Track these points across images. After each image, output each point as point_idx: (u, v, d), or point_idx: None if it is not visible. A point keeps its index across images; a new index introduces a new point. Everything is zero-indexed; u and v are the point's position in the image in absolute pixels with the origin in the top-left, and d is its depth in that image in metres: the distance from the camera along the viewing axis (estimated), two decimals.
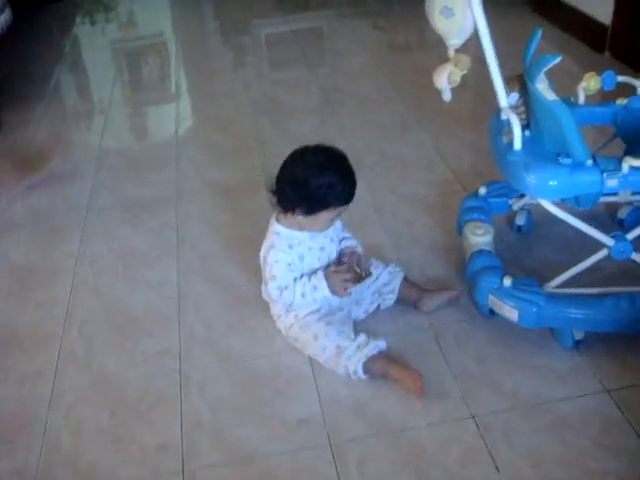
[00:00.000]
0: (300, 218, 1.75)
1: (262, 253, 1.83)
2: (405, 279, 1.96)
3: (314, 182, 1.68)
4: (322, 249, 1.84)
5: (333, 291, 1.76)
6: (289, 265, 1.78)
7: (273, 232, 1.81)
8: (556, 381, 1.71)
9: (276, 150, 2.68)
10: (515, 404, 1.67)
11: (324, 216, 1.72)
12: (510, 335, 1.84)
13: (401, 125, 2.95)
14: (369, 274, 1.81)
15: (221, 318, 2.02)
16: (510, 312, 1.76)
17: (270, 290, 1.80)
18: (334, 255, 1.87)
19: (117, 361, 1.92)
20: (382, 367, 1.73)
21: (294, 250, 1.78)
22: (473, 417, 1.65)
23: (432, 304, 1.93)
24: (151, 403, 1.78)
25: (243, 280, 2.13)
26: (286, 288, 1.78)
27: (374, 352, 1.74)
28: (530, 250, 2.13)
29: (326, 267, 1.83)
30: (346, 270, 1.76)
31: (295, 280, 1.79)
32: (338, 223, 1.88)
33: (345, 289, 1.74)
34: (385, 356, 1.76)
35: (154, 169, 2.82)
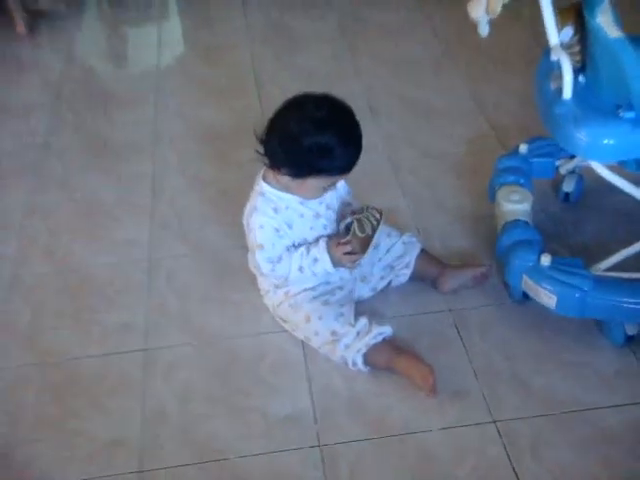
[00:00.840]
0: (286, 180, 1.71)
1: (245, 217, 1.80)
2: (423, 252, 1.92)
3: (307, 141, 1.60)
4: (317, 216, 1.79)
5: (337, 264, 1.72)
6: (277, 231, 1.74)
7: (258, 192, 1.77)
8: (600, 385, 1.68)
9: (277, 88, 2.66)
10: (547, 410, 1.64)
11: (312, 183, 1.66)
12: (546, 326, 1.81)
13: (431, 64, 2.90)
14: (377, 221, 1.72)
15: (198, 289, 2.00)
16: (547, 297, 1.72)
17: (260, 262, 1.76)
18: (333, 225, 1.82)
19: (69, 339, 1.89)
20: (387, 358, 1.70)
21: (280, 215, 1.74)
22: (495, 422, 1.62)
23: (453, 283, 1.90)
24: (113, 384, 1.77)
25: (228, 245, 2.10)
26: (279, 260, 1.74)
27: (377, 340, 1.71)
28: (578, 223, 2.10)
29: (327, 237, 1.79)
30: (350, 243, 1.70)
31: (289, 250, 1.75)
32: (342, 187, 1.83)
33: (353, 261, 1.71)
34: (391, 345, 1.73)
35: (129, 105, 2.78)
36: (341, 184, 1.80)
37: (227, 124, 2.61)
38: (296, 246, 1.76)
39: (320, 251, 1.72)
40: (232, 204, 2.05)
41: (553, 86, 1.68)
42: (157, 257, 2.09)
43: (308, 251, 1.74)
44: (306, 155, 1.61)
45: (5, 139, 2.63)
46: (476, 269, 1.90)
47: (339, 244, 1.73)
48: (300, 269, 1.74)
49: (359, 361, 1.69)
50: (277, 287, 1.82)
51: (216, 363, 1.79)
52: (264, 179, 1.76)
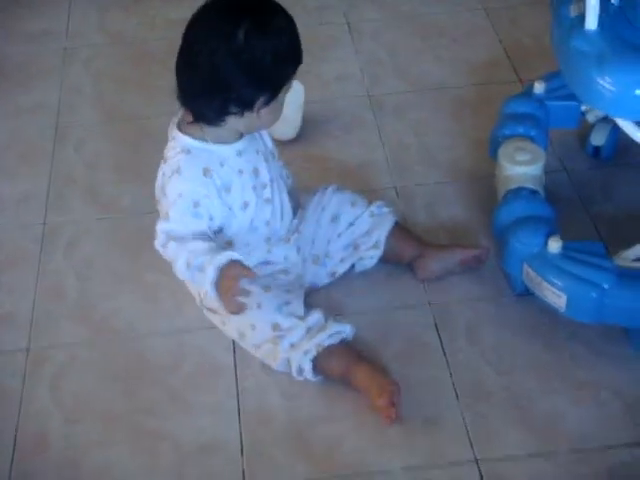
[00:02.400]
0: (236, 119, 1.58)
1: (159, 180, 1.67)
2: (397, 226, 1.81)
3: (257, 47, 1.51)
4: (255, 172, 1.67)
5: (217, 287, 1.55)
6: (195, 207, 1.60)
7: (178, 149, 1.62)
8: (623, 415, 1.58)
9: None
10: (549, 445, 1.54)
11: (282, 97, 1.59)
12: (555, 329, 1.71)
13: None
14: None
15: (103, 263, 1.92)
16: (554, 296, 1.61)
17: (157, 231, 1.63)
18: (274, 184, 1.70)
19: None
20: (343, 366, 1.60)
21: (213, 178, 1.61)
22: (477, 462, 1.53)
23: (436, 267, 1.80)
24: None
25: (148, 206, 1.96)
26: (176, 241, 1.60)
27: (333, 342, 1.61)
28: (607, 188, 2.00)
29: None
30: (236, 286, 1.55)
31: (194, 238, 1.60)
32: (265, 134, 1.74)
33: (230, 295, 1.55)
34: (350, 349, 1.63)
35: None
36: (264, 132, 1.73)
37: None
38: (216, 232, 1.64)
39: (214, 262, 1.54)
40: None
41: (573, 12, 1.57)
42: (55, 220, 2.03)
43: (210, 251, 1.57)
44: (276, 63, 1.54)
45: None
46: (467, 250, 1.80)
47: (233, 276, 1.54)
48: (187, 265, 1.59)
49: (307, 367, 1.60)
50: None
51: (117, 369, 1.70)
52: (183, 131, 1.62)
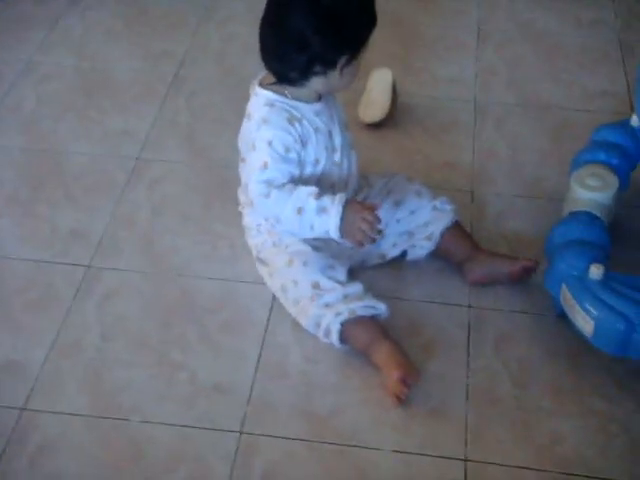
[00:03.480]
0: (322, 79, 1.64)
1: (244, 136, 1.73)
2: (455, 225, 1.83)
3: (339, 7, 1.57)
4: (330, 135, 1.73)
5: (342, 231, 1.62)
6: (287, 151, 1.66)
7: (262, 103, 1.69)
8: (625, 448, 1.56)
9: None
10: (542, 463, 1.53)
11: (361, 58, 1.64)
12: (583, 356, 1.69)
13: None
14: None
15: (178, 204, 2.02)
16: (584, 321, 1.59)
17: (255, 185, 1.67)
18: (344, 151, 1.76)
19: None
20: (368, 339, 1.63)
21: (295, 128, 1.67)
22: (466, 461, 1.53)
23: (483, 272, 1.80)
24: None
25: (232, 160, 2.04)
26: (278, 188, 1.66)
27: (365, 313, 1.64)
28: None
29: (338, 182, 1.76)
30: (373, 214, 1.63)
31: (295, 182, 1.67)
32: (339, 104, 1.80)
33: (360, 238, 1.62)
34: (378, 325, 1.66)
35: None
36: (338, 104, 1.80)
37: None
38: (304, 180, 1.69)
39: (335, 201, 1.61)
40: None
41: None
42: (148, 155, 2.14)
43: (320, 194, 1.64)
44: (357, 23, 1.60)
45: None
46: (516, 262, 1.79)
47: (363, 207, 1.64)
48: (299, 210, 1.64)
49: (334, 329, 1.63)
50: (265, 222, 1.77)
51: (161, 302, 1.79)
52: (263, 87, 1.69)
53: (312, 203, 1.62)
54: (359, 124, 2.16)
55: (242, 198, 1.84)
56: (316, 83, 1.64)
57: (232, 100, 2.24)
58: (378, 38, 1.65)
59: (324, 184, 1.72)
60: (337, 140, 1.73)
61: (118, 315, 1.76)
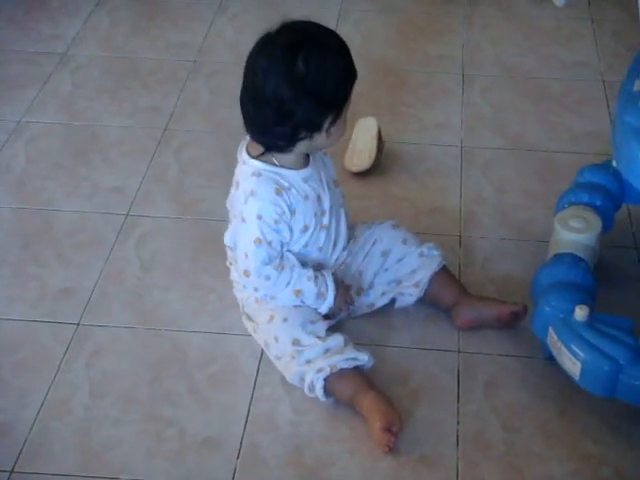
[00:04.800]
0: (306, 142, 1.65)
1: (232, 202, 1.75)
2: (443, 270, 1.84)
3: (318, 73, 1.58)
4: (319, 199, 1.74)
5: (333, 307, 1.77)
6: (277, 223, 1.68)
7: (249, 172, 1.70)
8: None
9: None
10: None
11: (345, 114, 1.65)
12: (573, 399, 1.70)
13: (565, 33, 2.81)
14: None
15: (167, 259, 2.03)
16: (570, 362, 1.60)
17: (251, 263, 1.69)
18: (332, 211, 1.77)
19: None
20: (351, 391, 1.64)
21: (283, 198, 1.69)
22: None
23: (472, 317, 1.81)
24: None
25: (220, 214, 2.07)
26: (278, 271, 1.70)
27: (346, 366, 1.65)
28: None
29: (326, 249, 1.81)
30: (349, 295, 1.83)
31: (288, 260, 1.73)
32: (329, 164, 1.81)
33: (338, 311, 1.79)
34: (361, 377, 1.66)
35: None
36: (327, 159, 1.81)
37: None
38: (292, 244, 1.74)
39: (329, 288, 1.73)
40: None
41: (637, 87, 1.58)
42: (139, 207, 2.18)
43: (316, 279, 1.72)
44: (337, 84, 1.61)
45: None
46: (504, 306, 1.81)
47: (344, 288, 1.78)
48: (297, 293, 1.72)
49: (318, 385, 1.64)
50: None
51: (150, 357, 1.80)
52: (252, 155, 1.70)
53: (312, 288, 1.72)
54: (346, 173, 2.18)
55: (230, 253, 1.85)
56: (302, 147, 1.65)
57: (220, 153, 2.29)
58: (364, 86, 1.67)
59: (311, 248, 1.76)
60: (326, 203, 1.74)
61: (107, 372, 1.76)
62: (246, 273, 1.70)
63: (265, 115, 1.61)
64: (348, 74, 1.62)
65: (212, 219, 2.08)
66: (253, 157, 1.68)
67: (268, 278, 1.69)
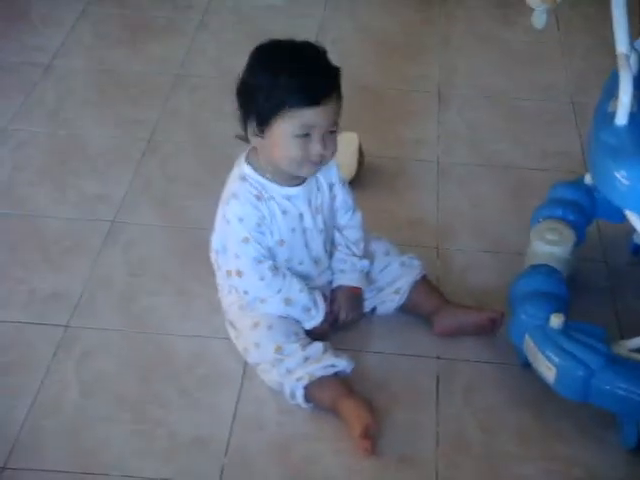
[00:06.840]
0: (257, 141, 1.70)
1: (221, 206, 1.81)
2: (423, 279, 1.91)
3: (255, 69, 1.68)
4: (300, 217, 1.78)
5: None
6: (259, 226, 1.74)
7: (237, 175, 1.77)
8: None
9: None
10: None
11: (281, 131, 1.63)
12: (548, 403, 1.76)
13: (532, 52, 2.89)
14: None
15: (155, 265, 2.07)
16: (546, 368, 1.67)
17: (245, 265, 1.75)
18: (314, 232, 1.82)
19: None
20: (331, 397, 1.69)
21: (262, 206, 1.74)
22: None
23: (451, 324, 1.87)
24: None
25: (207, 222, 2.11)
26: (273, 273, 1.76)
27: (325, 373, 1.70)
28: None
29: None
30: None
31: (281, 268, 1.79)
32: (339, 193, 1.86)
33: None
34: (341, 383, 1.71)
35: None
36: (338, 188, 1.84)
37: None
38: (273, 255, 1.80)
39: (319, 307, 1.80)
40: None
41: (612, 107, 1.63)
42: (123, 217, 2.20)
43: (308, 293, 1.79)
44: (259, 85, 1.65)
45: None
46: (482, 313, 1.87)
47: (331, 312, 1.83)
48: (287, 301, 1.76)
49: (298, 393, 1.69)
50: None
51: (139, 360, 1.84)
52: (247, 161, 1.76)
53: (302, 300, 1.78)
54: None
55: (214, 257, 1.89)
56: (256, 142, 1.70)
57: (204, 164, 2.34)
58: (344, 102, 1.72)
59: (293, 263, 1.81)
60: (309, 223, 1.79)
61: (97, 373, 1.80)
62: (239, 273, 1.74)
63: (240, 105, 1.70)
64: (289, 91, 1.63)
65: (197, 227, 2.10)
66: (248, 162, 1.75)
67: (262, 278, 1.73)
